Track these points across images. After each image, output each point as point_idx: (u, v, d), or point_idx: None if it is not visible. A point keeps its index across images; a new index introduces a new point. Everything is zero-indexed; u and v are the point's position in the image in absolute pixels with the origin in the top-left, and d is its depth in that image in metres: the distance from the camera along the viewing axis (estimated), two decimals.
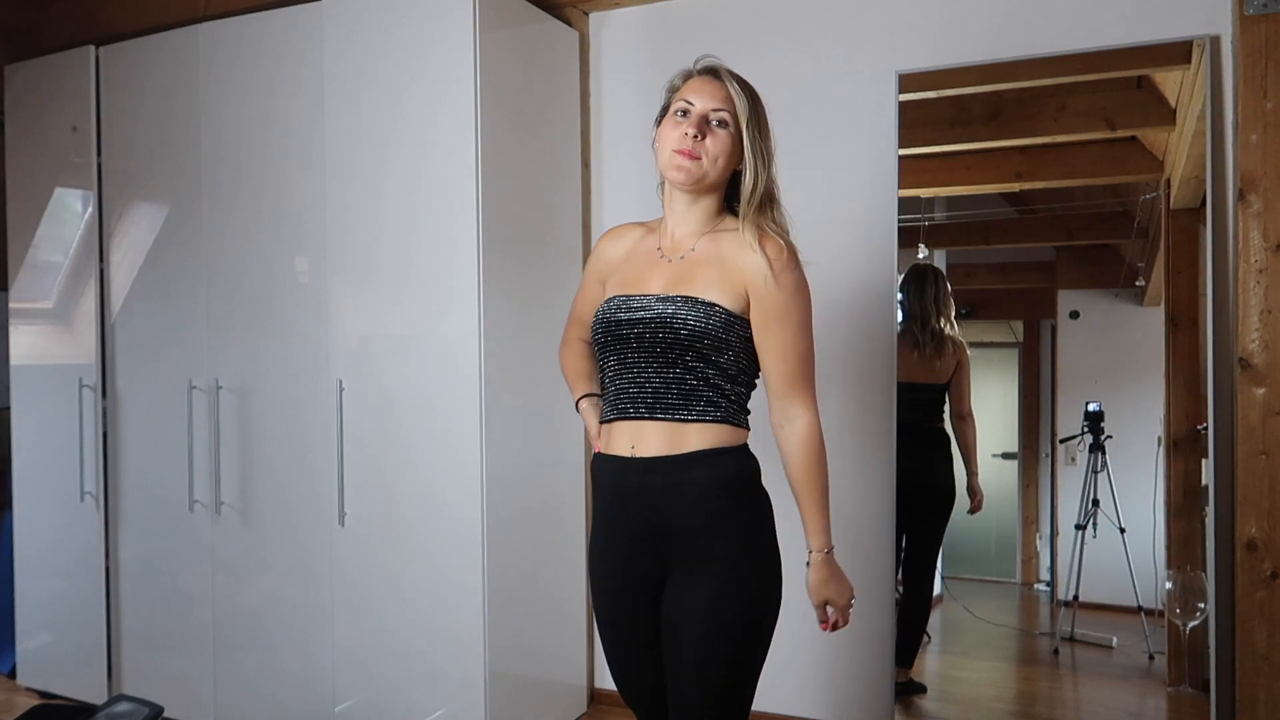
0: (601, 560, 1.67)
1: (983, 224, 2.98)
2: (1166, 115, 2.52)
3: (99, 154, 3.00)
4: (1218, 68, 2.29)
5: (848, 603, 1.65)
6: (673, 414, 1.57)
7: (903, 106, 2.55)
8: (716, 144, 1.59)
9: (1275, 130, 2.13)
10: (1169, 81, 2.48)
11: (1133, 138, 2.65)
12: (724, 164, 1.60)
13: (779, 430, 1.64)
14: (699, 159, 1.58)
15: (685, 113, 1.61)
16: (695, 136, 1.58)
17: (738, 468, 1.61)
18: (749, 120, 1.60)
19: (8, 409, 3.26)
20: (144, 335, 2.96)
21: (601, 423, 1.68)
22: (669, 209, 1.69)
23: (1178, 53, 2.35)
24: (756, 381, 1.68)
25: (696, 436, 1.57)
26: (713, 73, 1.64)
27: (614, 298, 1.65)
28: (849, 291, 2.64)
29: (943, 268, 2.90)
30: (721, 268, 1.60)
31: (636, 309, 1.60)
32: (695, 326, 1.55)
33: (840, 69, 2.65)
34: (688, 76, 1.66)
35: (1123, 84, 2.56)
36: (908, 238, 2.67)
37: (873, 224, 2.60)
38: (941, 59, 2.53)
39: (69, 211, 3.09)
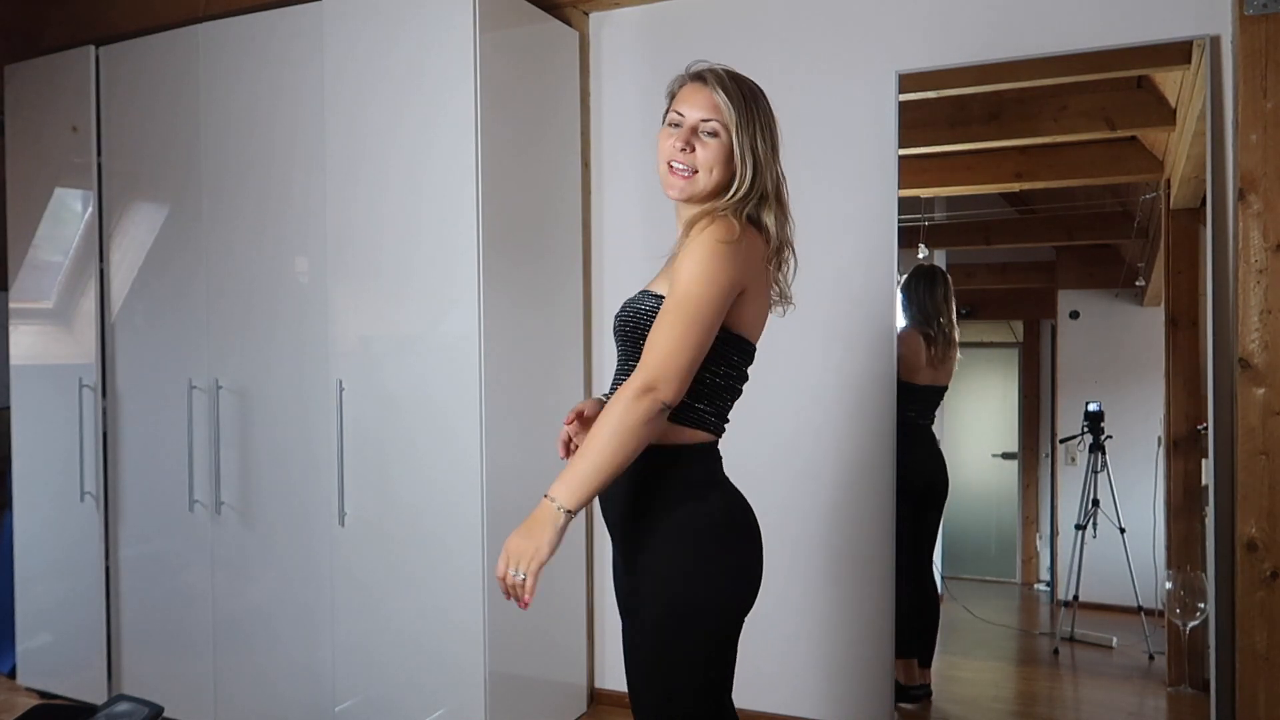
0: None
1: (983, 224, 2.98)
2: (1166, 115, 2.52)
3: (99, 154, 3.00)
4: (1218, 68, 2.29)
5: (526, 565, 1.45)
6: None
7: (903, 106, 2.55)
8: (707, 154, 1.56)
9: (1275, 130, 2.13)
10: (1169, 81, 2.48)
11: (1133, 138, 2.65)
12: (718, 173, 1.57)
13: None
14: (690, 176, 1.56)
15: (677, 123, 1.59)
16: (683, 149, 1.56)
17: (669, 465, 1.54)
18: (739, 127, 1.55)
19: (8, 409, 3.26)
20: (144, 335, 2.96)
21: None
22: (676, 211, 1.69)
23: (1178, 53, 2.35)
24: (726, 380, 1.59)
25: None
26: (701, 79, 1.60)
27: None
28: (849, 291, 2.64)
29: (943, 268, 2.90)
30: (675, 259, 1.56)
31: (620, 309, 1.66)
32: (635, 320, 1.56)
33: (840, 69, 2.65)
34: (683, 81, 1.63)
35: (1123, 84, 2.56)
36: (908, 238, 2.67)
37: (873, 224, 2.60)
38: (941, 59, 2.53)
39: (69, 211, 3.09)
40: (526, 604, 1.46)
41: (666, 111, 1.64)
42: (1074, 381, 2.83)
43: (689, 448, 1.56)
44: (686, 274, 1.47)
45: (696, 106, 1.57)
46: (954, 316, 2.74)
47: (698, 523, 1.54)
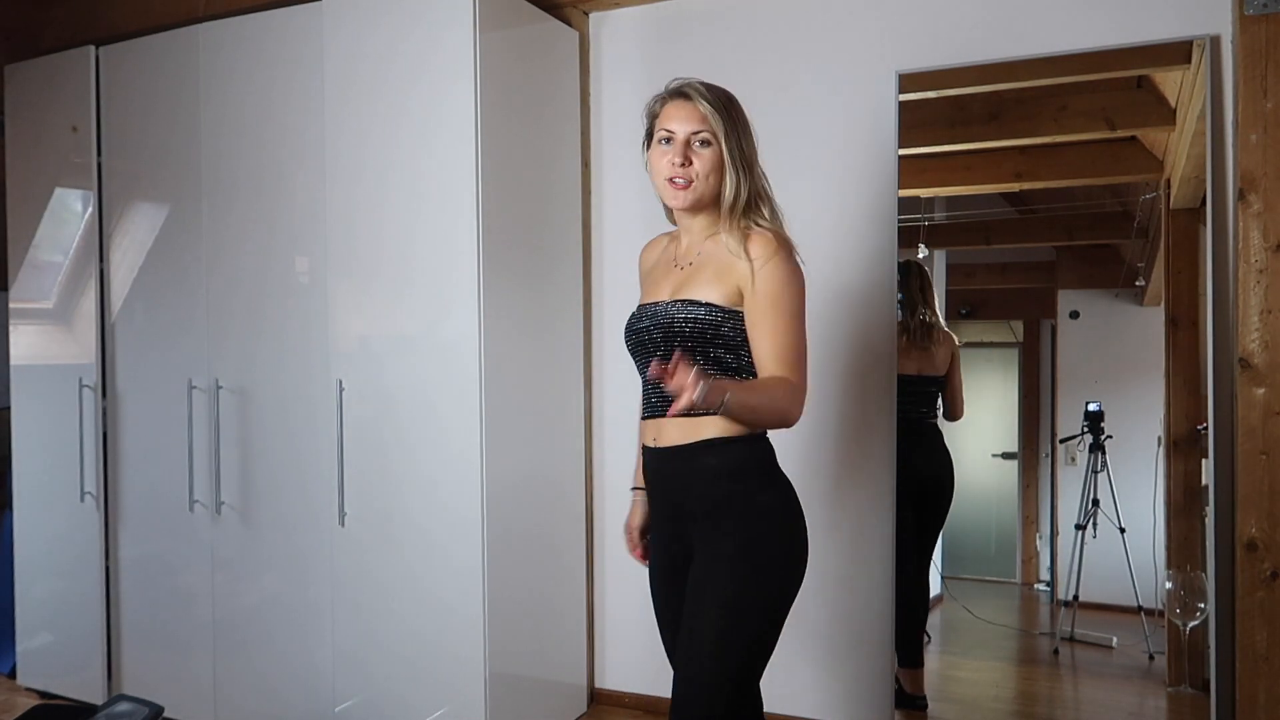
0: (652, 540, 1.87)
1: (983, 224, 2.98)
2: (1166, 115, 2.52)
3: (99, 154, 3.00)
4: (1218, 68, 2.29)
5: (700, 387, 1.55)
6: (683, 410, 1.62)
7: (903, 106, 2.55)
8: (703, 163, 1.69)
9: (1275, 130, 2.13)
10: (1169, 81, 2.48)
11: (1133, 138, 2.65)
12: (715, 179, 1.70)
13: None
14: (690, 184, 1.69)
15: (668, 140, 1.70)
16: (682, 164, 1.69)
17: (747, 454, 1.70)
18: (726, 134, 1.68)
19: (8, 409, 3.26)
20: (144, 335, 2.96)
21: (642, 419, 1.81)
22: (678, 217, 1.80)
23: (1178, 53, 2.34)
24: None
25: (709, 426, 1.66)
26: (683, 95, 1.71)
27: (637, 308, 1.80)
28: (849, 291, 2.64)
29: (943, 268, 2.91)
30: (717, 268, 1.70)
31: (647, 315, 1.74)
32: (692, 325, 1.67)
33: (840, 69, 2.65)
34: (663, 100, 1.74)
35: (1123, 84, 2.56)
36: (908, 238, 2.67)
37: (873, 224, 2.60)
38: (941, 59, 2.53)
39: (69, 211, 3.09)
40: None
41: (650, 131, 1.75)
42: (1074, 381, 2.83)
43: (764, 436, 1.73)
44: (781, 283, 1.65)
45: (685, 121, 1.69)
46: (935, 307, 2.74)
47: (779, 506, 1.71)
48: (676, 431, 1.69)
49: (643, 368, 1.75)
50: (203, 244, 2.83)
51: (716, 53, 2.77)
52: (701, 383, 1.45)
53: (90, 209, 3.01)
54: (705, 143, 1.69)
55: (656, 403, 1.73)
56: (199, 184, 2.82)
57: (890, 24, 2.60)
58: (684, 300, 1.69)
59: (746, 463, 1.70)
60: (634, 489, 1.94)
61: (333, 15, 2.59)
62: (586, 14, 2.95)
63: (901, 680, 2.65)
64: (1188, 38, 2.31)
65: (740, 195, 1.69)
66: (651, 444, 1.75)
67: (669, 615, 1.81)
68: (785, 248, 1.67)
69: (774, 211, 1.75)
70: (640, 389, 1.79)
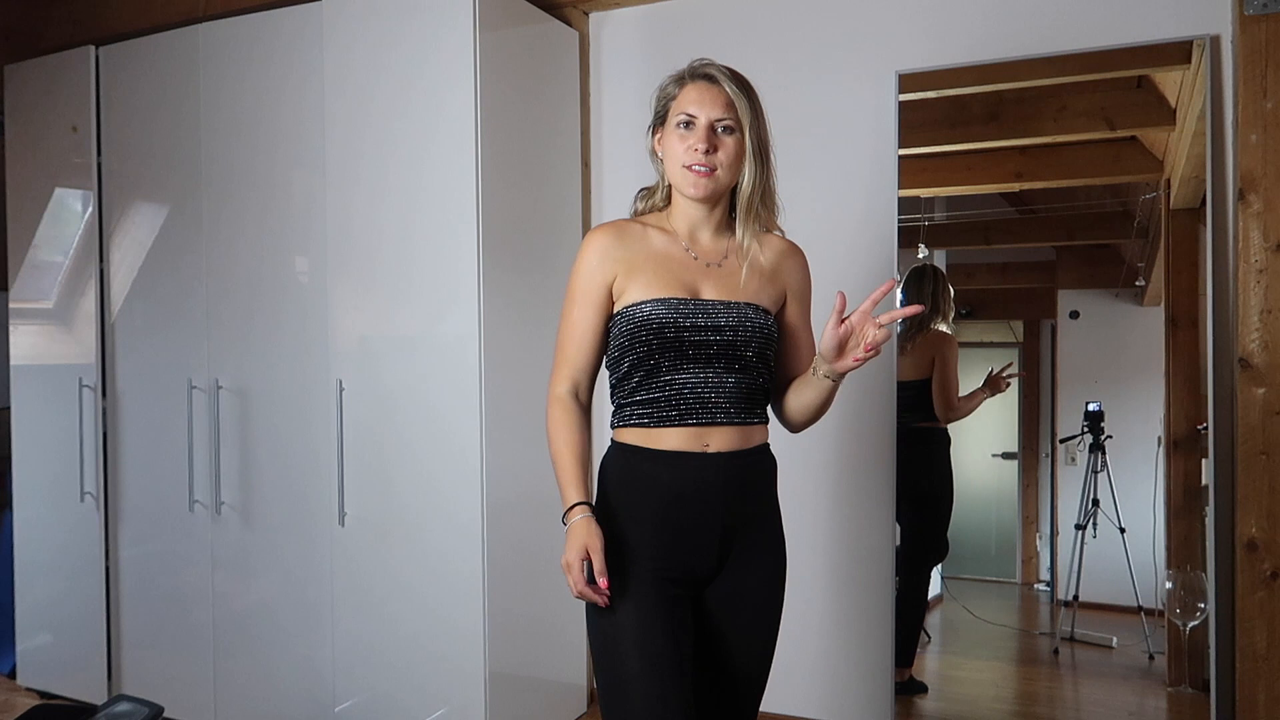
0: (637, 566, 1.57)
1: (983, 224, 2.98)
2: (1166, 115, 2.52)
3: (99, 154, 3.00)
4: (1218, 68, 2.29)
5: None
6: (738, 417, 1.61)
7: (903, 106, 2.55)
8: (727, 153, 1.59)
9: (1275, 130, 2.13)
10: (1169, 81, 2.48)
11: (1133, 138, 2.65)
12: (737, 168, 1.61)
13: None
14: (713, 173, 1.58)
15: (689, 124, 1.59)
16: (707, 150, 1.57)
17: (774, 464, 1.71)
18: (751, 122, 1.59)
19: (8, 409, 3.26)
20: (144, 335, 2.96)
21: (635, 425, 1.61)
22: (681, 212, 1.66)
23: (1178, 53, 2.34)
24: None
25: (758, 435, 1.65)
26: (709, 78, 1.61)
27: (662, 301, 1.58)
28: (849, 291, 2.63)
29: (943, 268, 2.90)
30: (763, 274, 1.66)
31: (703, 314, 1.58)
32: (763, 334, 1.61)
33: (840, 69, 2.65)
34: (682, 82, 1.63)
35: (1123, 84, 2.56)
36: (908, 238, 2.66)
37: (873, 224, 2.60)
38: (941, 59, 2.53)
39: (69, 211, 3.09)
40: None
41: (664, 113, 1.64)
42: (1074, 381, 2.83)
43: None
44: (810, 296, 1.74)
45: (709, 105, 1.58)
46: (947, 312, 2.73)
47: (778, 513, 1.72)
48: (731, 437, 1.59)
49: (672, 368, 1.57)
50: (203, 244, 2.83)
51: (716, 53, 2.73)
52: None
53: (90, 209, 3.01)
54: (729, 130, 1.59)
55: (690, 409, 1.58)
56: (199, 184, 2.82)
57: (890, 24, 2.60)
58: (752, 305, 1.62)
59: (775, 473, 1.71)
60: (580, 504, 1.59)
61: (332, 15, 2.59)
62: (586, 14, 2.95)
63: (896, 676, 2.66)
64: (1188, 38, 2.31)
65: (757, 189, 1.61)
66: (698, 449, 1.58)
67: (674, 647, 1.55)
68: (807, 262, 1.74)
69: (777, 208, 1.69)
70: (630, 391, 1.62)
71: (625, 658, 1.54)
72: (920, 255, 2.80)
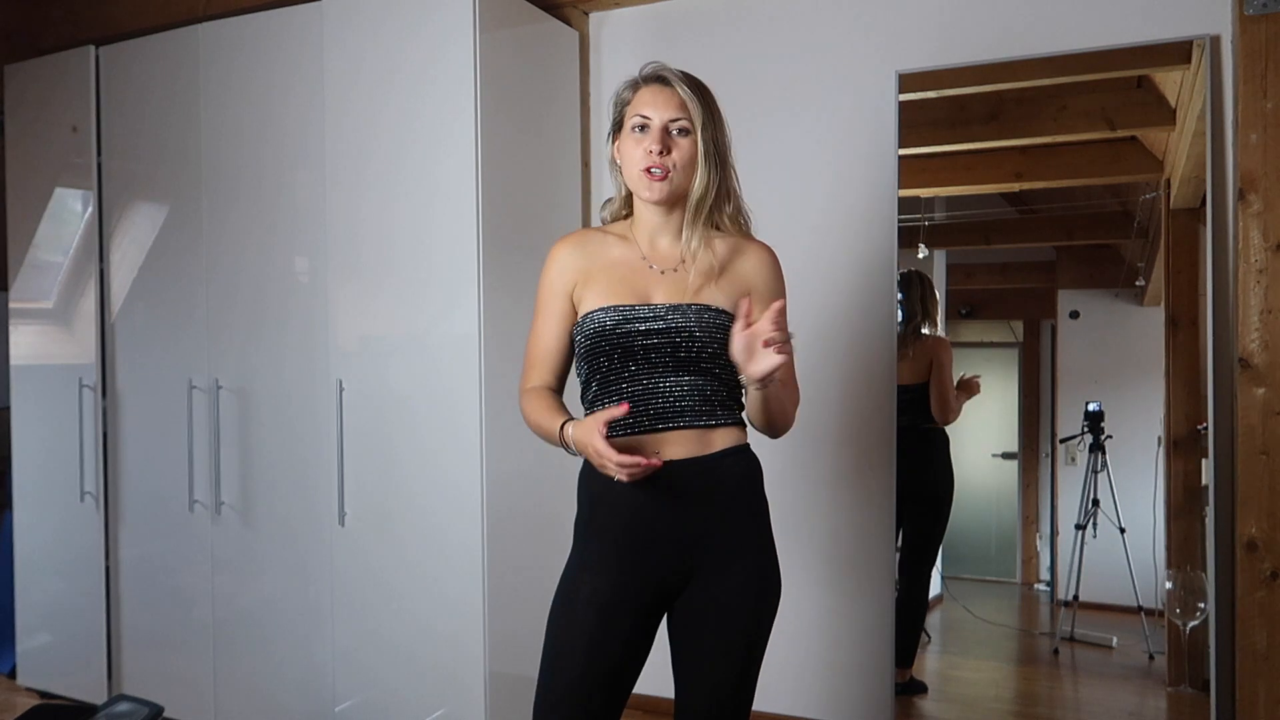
0: (600, 573, 1.60)
1: (983, 224, 2.98)
2: (1166, 115, 2.52)
3: (99, 154, 3.00)
4: (1218, 68, 2.29)
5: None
6: (696, 421, 1.58)
7: (903, 106, 2.55)
8: (681, 154, 1.58)
9: (1275, 130, 2.13)
10: (1169, 81, 2.48)
11: (1133, 138, 2.65)
12: (693, 170, 1.60)
13: None
14: (668, 175, 1.58)
15: (644, 127, 1.59)
16: (660, 152, 1.57)
17: (755, 464, 1.67)
18: (704, 123, 1.59)
19: (8, 409, 3.26)
20: (144, 335, 2.96)
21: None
22: (641, 218, 1.67)
23: (1178, 53, 2.34)
24: None
25: (721, 438, 1.61)
26: (662, 80, 1.61)
27: (613, 308, 1.60)
28: (849, 291, 2.64)
29: (943, 268, 2.90)
30: (719, 274, 1.64)
31: (647, 319, 1.58)
32: (711, 333, 1.58)
33: (840, 69, 2.65)
34: (636, 86, 1.64)
35: (1123, 84, 2.56)
36: (908, 238, 2.67)
37: (873, 224, 2.60)
38: (941, 59, 2.53)
39: (69, 211, 3.09)
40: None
41: (620, 119, 1.65)
42: (1074, 381, 2.83)
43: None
44: (781, 292, 1.67)
45: (663, 107, 1.58)
46: (935, 317, 2.74)
47: (770, 525, 1.68)
48: (686, 445, 1.57)
49: (625, 375, 1.58)
50: (203, 244, 2.83)
51: (716, 53, 2.77)
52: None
53: (90, 209, 3.01)
54: (684, 131, 1.58)
55: (643, 417, 1.57)
56: (199, 184, 2.82)
57: (890, 24, 2.60)
58: (700, 305, 1.59)
59: (756, 472, 1.66)
60: (562, 426, 1.59)
61: (333, 16, 2.59)
62: (586, 14, 2.95)
63: (897, 677, 2.66)
64: (1188, 38, 2.31)
65: (709, 191, 1.60)
66: (656, 455, 1.53)
67: (602, 656, 1.57)
68: (776, 259, 1.69)
69: (739, 210, 1.67)
70: (615, 395, 1.60)
71: (568, 669, 1.59)
72: (920, 255, 2.81)
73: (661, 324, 1.58)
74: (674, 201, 1.62)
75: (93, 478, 3.02)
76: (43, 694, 3.17)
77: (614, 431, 1.55)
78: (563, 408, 1.66)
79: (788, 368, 1.54)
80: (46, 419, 3.12)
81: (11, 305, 3.24)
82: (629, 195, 1.69)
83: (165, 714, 1.84)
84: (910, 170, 2.58)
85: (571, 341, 1.68)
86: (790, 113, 2.69)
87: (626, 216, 1.72)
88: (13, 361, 3.22)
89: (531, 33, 2.69)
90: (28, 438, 3.19)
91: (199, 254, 2.83)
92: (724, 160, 1.63)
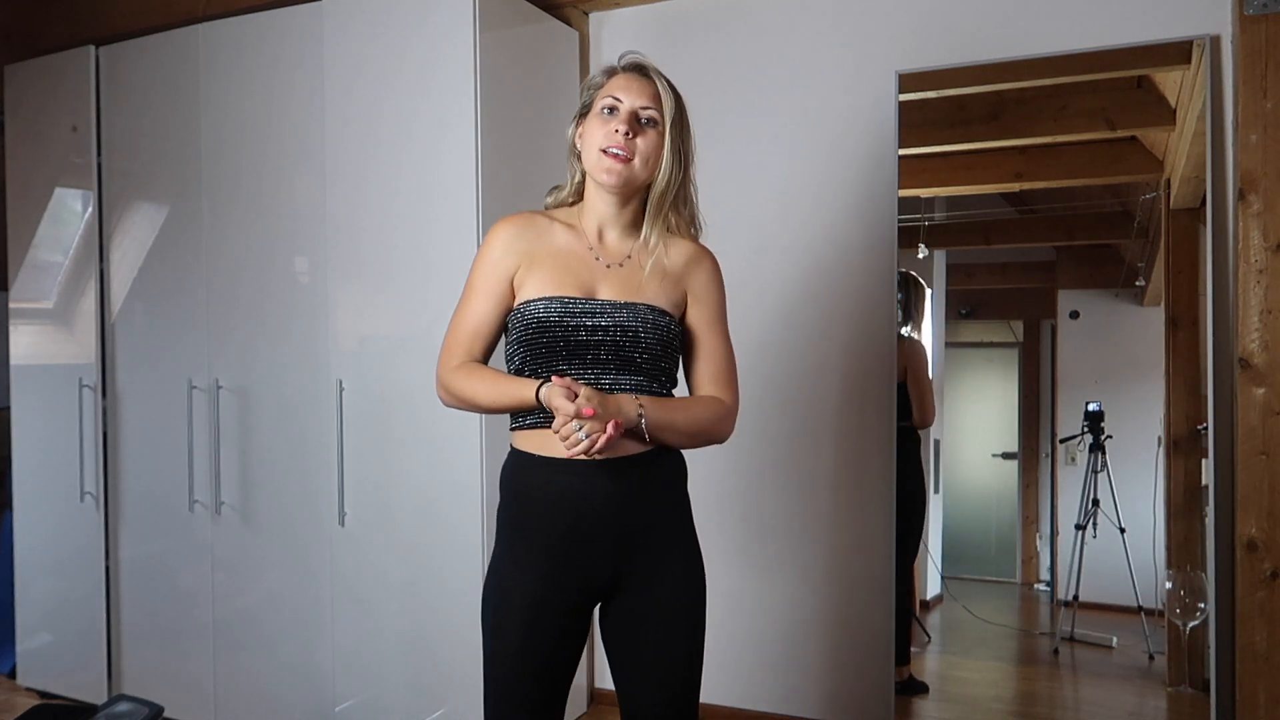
0: (525, 570, 1.56)
1: (983, 224, 2.98)
2: (1166, 115, 2.52)
3: (99, 154, 3.00)
4: (1218, 68, 2.29)
5: (606, 413, 1.45)
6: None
7: (903, 106, 2.55)
8: (647, 143, 1.56)
9: (1275, 130, 2.13)
10: (1169, 81, 2.48)
11: (1133, 138, 2.65)
12: (654, 164, 1.58)
13: None
14: (630, 160, 1.55)
15: (613, 110, 1.57)
16: (626, 134, 1.54)
17: (681, 466, 1.65)
18: (674, 120, 1.58)
19: (8, 409, 3.25)
20: (144, 335, 2.96)
21: (529, 427, 1.56)
22: (591, 208, 1.64)
23: (1178, 53, 2.35)
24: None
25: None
26: (639, 69, 1.60)
27: (557, 299, 1.55)
28: (849, 291, 2.64)
29: (943, 268, 2.90)
30: (665, 276, 1.62)
31: (594, 314, 1.55)
32: (658, 335, 1.56)
33: (840, 69, 2.65)
34: (611, 73, 1.62)
35: (1123, 84, 2.56)
36: (908, 238, 2.67)
37: (873, 224, 2.60)
38: (941, 59, 2.53)
39: (69, 211, 3.09)
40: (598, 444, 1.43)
41: (588, 102, 1.63)
42: (1074, 381, 2.83)
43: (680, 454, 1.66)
44: (723, 302, 1.67)
45: (635, 94, 1.57)
46: (921, 321, 2.74)
47: (693, 525, 1.67)
48: (622, 444, 1.51)
49: (566, 369, 1.53)
50: (203, 244, 2.83)
51: (716, 52, 2.77)
52: (614, 421, 1.41)
53: (90, 209, 3.01)
54: (652, 122, 1.56)
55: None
56: (199, 184, 2.82)
57: (890, 24, 2.60)
58: (648, 306, 1.57)
59: (683, 475, 1.65)
60: (540, 387, 1.51)
61: (333, 15, 2.59)
62: (586, 14, 2.95)
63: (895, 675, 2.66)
64: (1188, 38, 2.31)
65: (671, 188, 1.58)
66: (585, 455, 1.47)
67: (552, 658, 1.58)
68: (719, 266, 1.68)
69: (693, 217, 1.66)
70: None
71: (506, 668, 1.61)
72: (920, 255, 2.81)
73: (608, 320, 1.54)
74: (628, 194, 1.60)
75: (93, 478, 3.02)
76: (43, 694, 3.17)
77: (549, 423, 1.50)
78: (514, 376, 1.59)
79: (630, 407, 1.49)
80: (46, 419, 3.12)
81: (11, 305, 3.24)
82: (580, 184, 1.66)
83: (165, 714, 1.84)
84: (910, 170, 2.58)
85: (503, 325, 1.63)
86: (790, 113, 2.69)
87: (573, 204, 1.69)
88: (13, 361, 3.22)
89: (531, 33, 2.69)
90: (28, 438, 3.19)
91: (199, 254, 2.83)
92: (687, 163, 1.61)
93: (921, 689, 2.72)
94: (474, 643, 2.42)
